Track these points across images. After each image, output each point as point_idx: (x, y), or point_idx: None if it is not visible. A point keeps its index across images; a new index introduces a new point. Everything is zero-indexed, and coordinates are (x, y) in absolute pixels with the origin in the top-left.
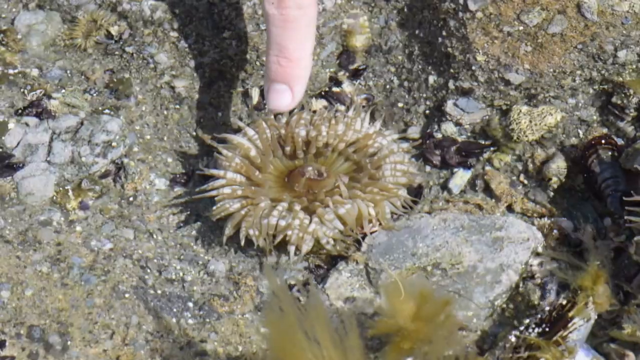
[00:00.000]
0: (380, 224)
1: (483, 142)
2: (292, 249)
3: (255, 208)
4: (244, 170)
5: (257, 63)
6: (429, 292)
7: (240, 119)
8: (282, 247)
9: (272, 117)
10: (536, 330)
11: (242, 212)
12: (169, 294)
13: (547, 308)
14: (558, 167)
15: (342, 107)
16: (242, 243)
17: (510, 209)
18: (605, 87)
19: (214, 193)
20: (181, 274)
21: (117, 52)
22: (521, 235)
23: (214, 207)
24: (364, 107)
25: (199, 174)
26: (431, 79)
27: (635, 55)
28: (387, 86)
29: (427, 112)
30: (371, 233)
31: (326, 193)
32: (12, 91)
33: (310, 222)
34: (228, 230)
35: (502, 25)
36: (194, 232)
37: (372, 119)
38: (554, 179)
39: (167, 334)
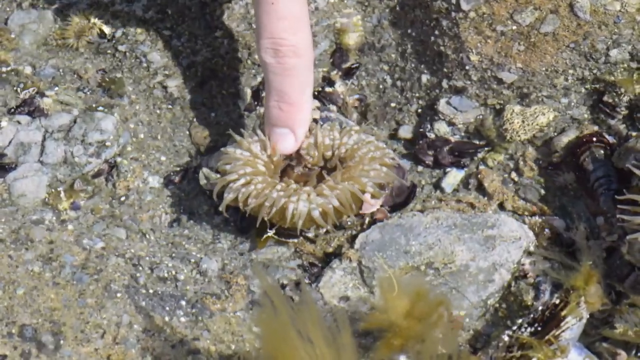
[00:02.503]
0: (374, 198)
1: (477, 143)
2: (290, 207)
3: (266, 181)
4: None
5: (249, 62)
6: (424, 291)
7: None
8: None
9: None
10: (529, 329)
11: (256, 178)
12: (162, 292)
13: (540, 307)
14: (570, 140)
15: (334, 107)
16: (223, 208)
17: (501, 207)
18: (597, 86)
19: (237, 150)
20: (173, 272)
21: (109, 51)
22: (513, 234)
23: (228, 161)
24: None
25: (230, 134)
26: (424, 78)
27: (627, 54)
28: (380, 86)
29: (420, 111)
30: (373, 217)
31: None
32: (5, 89)
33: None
34: (232, 194)
35: (495, 25)
36: (186, 231)
37: (334, 128)
38: (560, 152)
39: (158, 333)
